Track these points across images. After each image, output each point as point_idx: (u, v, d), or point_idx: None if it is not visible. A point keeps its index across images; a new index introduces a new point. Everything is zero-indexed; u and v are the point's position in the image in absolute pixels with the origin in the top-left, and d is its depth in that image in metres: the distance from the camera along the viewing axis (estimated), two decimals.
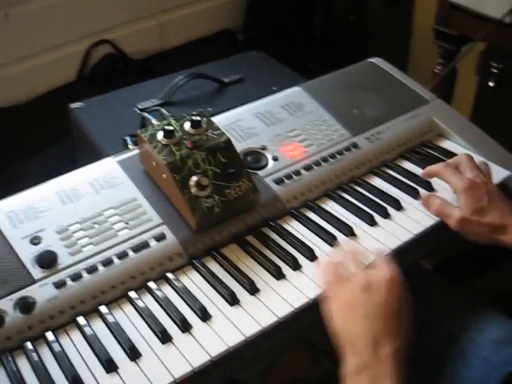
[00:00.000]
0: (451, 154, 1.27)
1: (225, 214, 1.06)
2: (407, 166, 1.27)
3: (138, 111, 1.45)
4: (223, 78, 1.60)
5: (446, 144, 1.32)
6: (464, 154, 1.17)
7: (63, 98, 1.77)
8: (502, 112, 1.99)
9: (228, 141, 1.10)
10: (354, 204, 1.16)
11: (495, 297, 1.70)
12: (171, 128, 1.07)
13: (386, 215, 1.13)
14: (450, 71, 1.72)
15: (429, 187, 1.20)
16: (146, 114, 1.33)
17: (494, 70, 1.88)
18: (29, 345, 0.89)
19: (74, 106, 1.52)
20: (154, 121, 1.21)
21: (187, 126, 1.10)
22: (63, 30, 1.95)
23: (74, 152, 1.60)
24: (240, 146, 1.18)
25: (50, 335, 0.90)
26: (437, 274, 1.72)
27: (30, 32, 1.87)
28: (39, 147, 1.90)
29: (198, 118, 1.09)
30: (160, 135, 1.08)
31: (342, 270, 0.91)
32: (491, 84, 1.90)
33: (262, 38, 2.36)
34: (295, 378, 1.56)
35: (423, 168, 1.23)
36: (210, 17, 2.30)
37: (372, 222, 1.11)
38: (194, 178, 1.04)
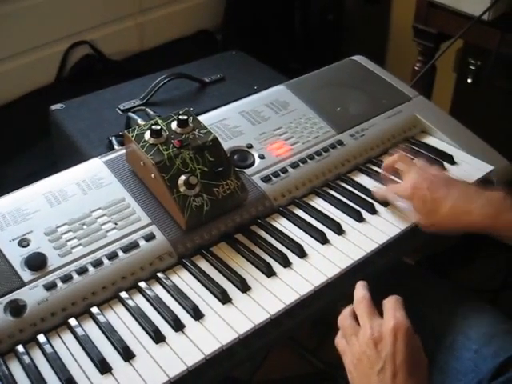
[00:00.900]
0: (435, 150, 1.29)
1: (214, 213, 1.06)
2: None
3: (120, 112, 1.44)
4: (203, 77, 1.60)
5: (430, 140, 1.34)
6: (396, 154, 1.18)
7: (42, 99, 1.75)
8: (480, 108, 2.01)
9: (215, 139, 1.10)
10: (341, 200, 1.16)
11: (473, 290, 1.72)
12: (158, 127, 1.07)
13: (373, 211, 1.14)
14: (429, 68, 1.73)
15: None
16: (131, 115, 1.32)
17: (472, 67, 1.91)
18: (20, 348, 0.88)
19: (54, 107, 1.50)
20: (140, 121, 1.21)
21: (174, 125, 1.10)
22: (41, 32, 1.92)
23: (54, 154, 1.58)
24: (226, 145, 1.18)
25: (41, 338, 0.90)
26: (420, 269, 1.73)
27: (6, 34, 1.85)
28: (18, 150, 1.88)
29: (185, 117, 1.09)
30: (147, 135, 1.07)
31: (352, 322, 0.90)
32: (469, 81, 1.93)
33: (240, 37, 2.36)
34: (283, 376, 1.57)
35: None
36: (189, 17, 2.30)
37: (360, 218, 1.12)
38: (183, 178, 1.03)
